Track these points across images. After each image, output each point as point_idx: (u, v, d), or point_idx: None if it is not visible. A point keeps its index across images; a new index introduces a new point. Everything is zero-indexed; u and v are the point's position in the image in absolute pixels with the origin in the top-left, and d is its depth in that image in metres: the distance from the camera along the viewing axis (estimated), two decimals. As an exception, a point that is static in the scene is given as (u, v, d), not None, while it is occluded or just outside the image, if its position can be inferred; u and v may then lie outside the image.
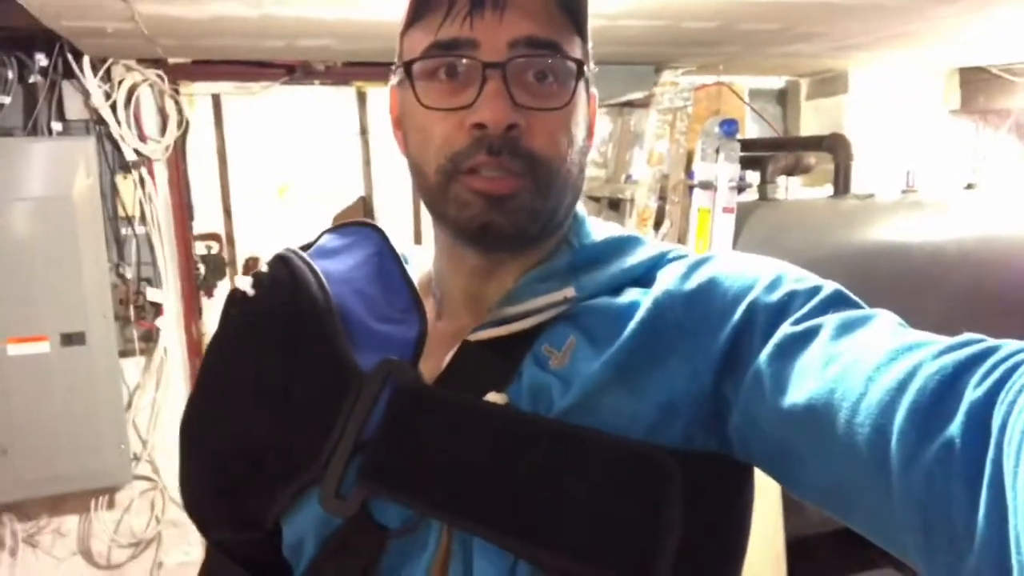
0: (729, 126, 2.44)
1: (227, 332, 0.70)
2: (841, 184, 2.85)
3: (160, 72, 2.52)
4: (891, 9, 1.92)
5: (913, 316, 0.56)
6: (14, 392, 2.43)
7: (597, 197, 2.83)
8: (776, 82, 3.49)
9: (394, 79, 0.65)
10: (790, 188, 3.07)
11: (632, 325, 0.60)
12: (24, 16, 1.76)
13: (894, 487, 0.43)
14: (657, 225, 2.47)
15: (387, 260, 0.71)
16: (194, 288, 2.83)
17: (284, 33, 2.07)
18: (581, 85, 0.61)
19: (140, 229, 2.57)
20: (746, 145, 2.57)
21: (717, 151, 2.42)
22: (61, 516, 2.70)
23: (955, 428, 0.41)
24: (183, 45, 2.25)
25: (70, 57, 2.36)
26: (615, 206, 2.73)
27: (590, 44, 0.64)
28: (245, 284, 0.69)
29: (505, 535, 0.56)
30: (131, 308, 2.56)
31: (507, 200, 0.59)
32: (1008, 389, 0.39)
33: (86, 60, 2.35)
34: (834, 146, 2.88)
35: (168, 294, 2.67)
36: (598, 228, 0.70)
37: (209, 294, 2.89)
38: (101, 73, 2.41)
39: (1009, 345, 0.43)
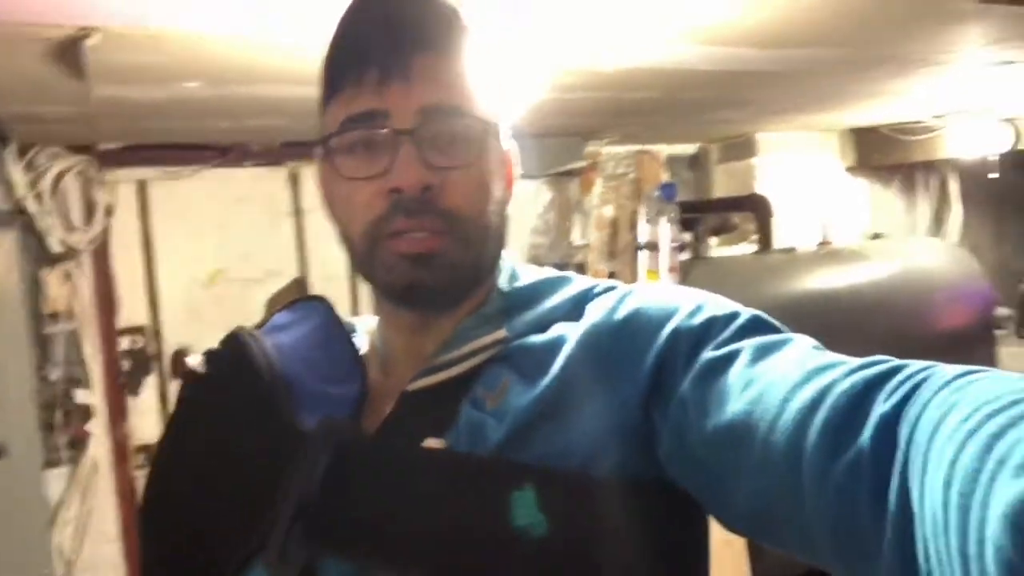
0: (669, 191, 2.56)
1: (180, 411, 0.72)
2: (765, 240, 3.04)
3: (87, 158, 2.38)
4: (819, 75, 2.09)
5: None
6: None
7: (543, 264, 2.88)
8: (689, 148, 3.70)
9: (319, 153, 0.68)
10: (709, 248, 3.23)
11: (561, 359, 0.61)
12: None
13: (808, 502, 0.45)
14: (609, 288, 2.53)
15: (332, 328, 0.74)
16: (119, 387, 2.62)
17: (236, 113, 2.01)
18: (491, 140, 0.66)
19: (67, 326, 2.37)
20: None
21: (658, 214, 2.53)
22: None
23: (864, 441, 0.43)
24: (121, 129, 2.15)
25: (-14, 145, 2.20)
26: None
27: (497, 105, 0.68)
28: (196, 362, 0.72)
29: None
30: (56, 413, 2.34)
31: (430, 259, 0.62)
32: (914, 403, 0.42)
33: (10, 147, 2.20)
34: (755, 205, 3.07)
35: (97, 395, 2.46)
36: (527, 272, 0.73)
37: (135, 393, 2.69)
38: (25, 161, 2.25)
39: (915, 364, 0.46)
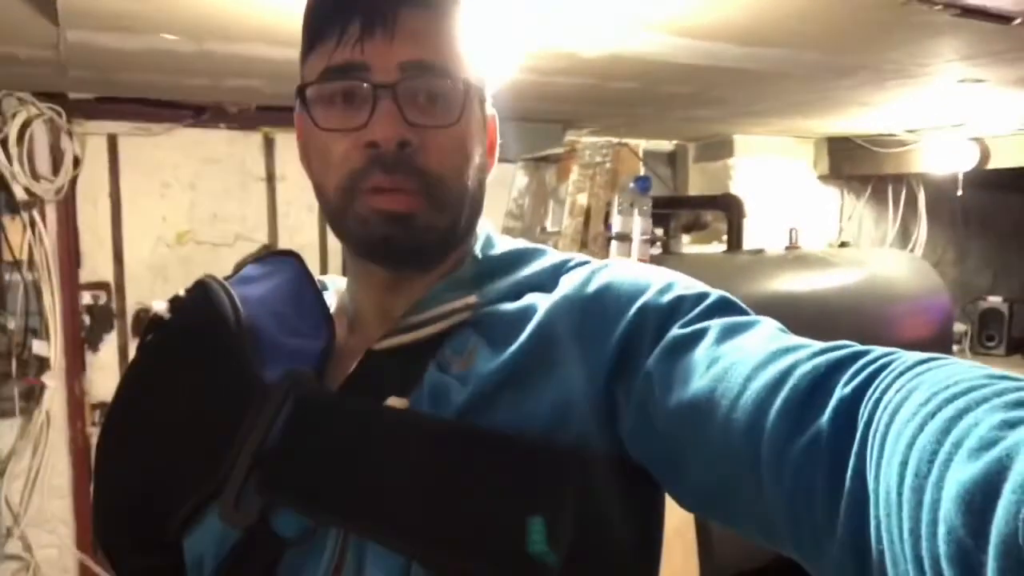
0: (643, 183, 2.57)
1: (142, 356, 0.72)
2: (735, 240, 3.07)
3: (57, 107, 2.34)
4: (795, 78, 2.12)
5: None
6: None
7: (514, 248, 2.89)
8: (666, 145, 3.72)
9: (297, 105, 0.67)
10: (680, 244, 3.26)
11: (530, 328, 0.62)
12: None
13: (766, 481, 0.46)
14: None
15: (303, 283, 0.74)
16: (79, 341, 2.59)
17: (213, 71, 1.99)
18: (474, 104, 0.65)
19: (28, 276, 2.33)
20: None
21: (632, 206, 2.55)
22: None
23: (823, 423, 0.43)
24: (94, 79, 2.12)
25: (-48, 87, 2.16)
26: (531, 257, 2.79)
27: (483, 68, 0.67)
28: (162, 307, 0.71)
29: (398, 538, 0.57)
30: (13, 362, 2.30)
31: (405, 218, 0.61)
32: (875, 388, 0.42)
33: (-25, 90, 2.16)
34: (728, 205, 3.10)
35: (54, 348, 2.43)
36: (503, 241, 0.73)
37: (95, 348, 2.65)
38: (-9, 106, 2.21)
39: (877, 350, 0.46)
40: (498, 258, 0.70)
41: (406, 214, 0.61)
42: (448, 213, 0.64)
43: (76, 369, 2.57)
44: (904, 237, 4.04)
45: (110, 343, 2.67)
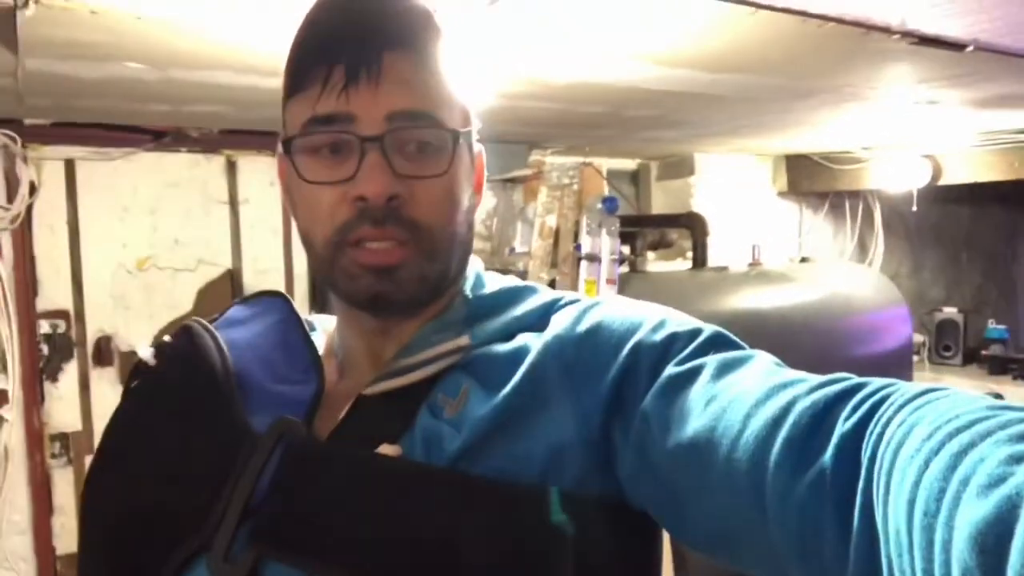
0: (610, 203, 2.60)
1: (127, 403, 0.71)
2: (700, 257, 3.12)
3: (11, 133, 2.28)
4: (757, 101, 2.17)
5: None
6: None
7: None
8: (629, 164, 3.77)
9: (280, 149, 0.66)
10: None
11: (523, 369, 0.61)
12: None
13: (771, 519, 0.45)
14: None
15: (290, 326, 0.72)
16: (37, 372, 2.51)
17: (175, 98, 1.96)
18: (462, 149, 0.64)
19: (-18, 307, 2.26)
20: (616, 221, 2.75)
21: (600, 226, 2.57)
22: None
23: (827, 459, 0.43)
24: (51, 105, 2.07)
25: (-100, 114, 2.09)
26: (500, 278, 2.80)
27: (469, 107, 0.67)
28: (147, 354, 0.70)
29: None
30: (-32, 397, 2.23)
31: (394, 271, 0.61)
32: (876, 422, 0.42)
33: (-72, 118, 2.09)
34: (692, 223, 3.15)
35: (12, 380, 2.35)
36: (493, 280, 0.72)
37: (53, 379, 2.58)
38: (-56, 133, 2.14)
39: (876, 382, 0.46)
40: (488, 298, 0.69)
41: (394, 266, 0.61)
42: (438, 262, 0.63)
43: (34, 400, 2.49)
44: (862, 250, 4.14)
45: (70, 373, 2.59)
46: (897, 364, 3.21)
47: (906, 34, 1.41)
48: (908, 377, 3.27)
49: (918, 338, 3.91)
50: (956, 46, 1.50)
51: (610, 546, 0.59)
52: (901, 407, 0.41)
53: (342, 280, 0.62)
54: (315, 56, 0.60)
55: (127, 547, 0.65)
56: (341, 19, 0.61)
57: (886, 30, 1.39)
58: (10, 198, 2.35)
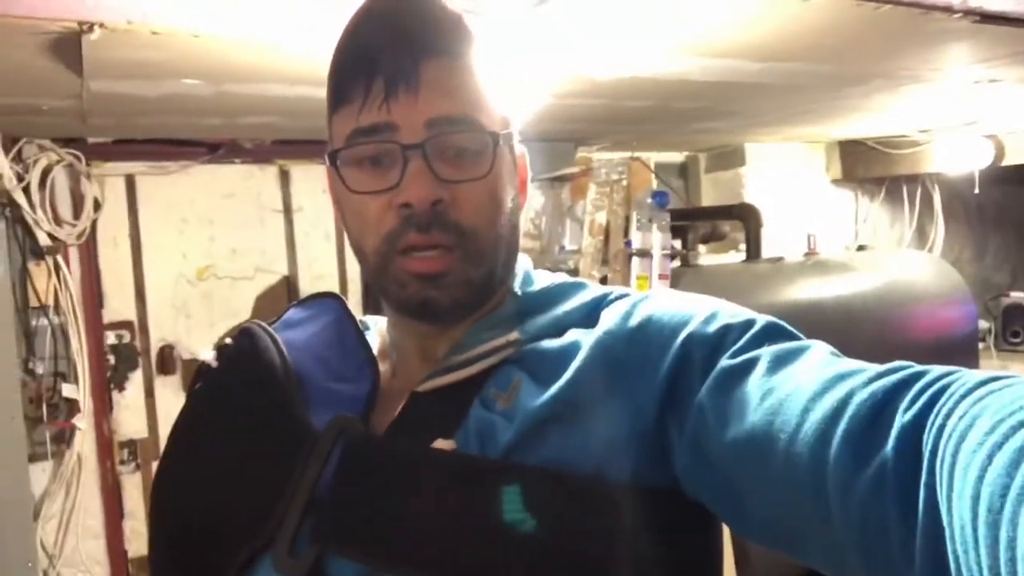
0: (661, 198, 2.57)
1: (192, 405, 0.72)
2: (753, 249, 3.06)
3: (76, 152, 2.36)
4: (808, 88, 2.12)
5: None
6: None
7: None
8: (677, 157, 3.73)
9: (327, 162, 0.67)
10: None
11: (575, 364, 0.61)
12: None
13: (833, 513, 0.45)
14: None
15: (345, 325, 0.74)
16: (105, 382, 2.60)
17: (229, 111, 2.01)
18: (504, 151, 0.65)
19: (54, 319, 2.35)
20: (667, 215, 2.72)
21: (650, 221, 2.54)
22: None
23: (887, 453, 0.42)
24: (112, 124, 2.14)
25: (-27, 138, 2.18)
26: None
27: (508, 108, 0.67)
28: (210, 357, 0.72)
29: None
30: (43, 407, 2.32)
31: (441, 277, 0.62)
32: (936, 413, 0.41)
33: (-3, 140, 2.19)
34: (744, 214, 3.09)
35: (83, 390, 2.44)
36: (542, 277, 0.73)
37: (120, 388, 2.67)
38: (13, 153, 2.23)
39: (935, 370, 0.45)
40: (537, 295, 0.70)
41: (442, 272, 0.62)
42: (485, 264, 0.64)
43: (103, 409, 2.58)
44: (921, 237, 4.02)
45: (135, 382, 2.68)
46: (962, 352, 3.11)
47: (968, 12, 1.36)
48: (974, 365, 3.17)
49: (983, 324, 3.78)
50: (1020, 22, 1.45)
51: (666, 538, 0.59)
52: (963, 397, 0.40)
53: (393, 288, 0.64)
54: (355, 70, 0.62)
55: (195, 546, 0.66)
56: (377, 32, 0.62)
57: (947, 9, 1.34)
58: (76, 214, 2.44)
